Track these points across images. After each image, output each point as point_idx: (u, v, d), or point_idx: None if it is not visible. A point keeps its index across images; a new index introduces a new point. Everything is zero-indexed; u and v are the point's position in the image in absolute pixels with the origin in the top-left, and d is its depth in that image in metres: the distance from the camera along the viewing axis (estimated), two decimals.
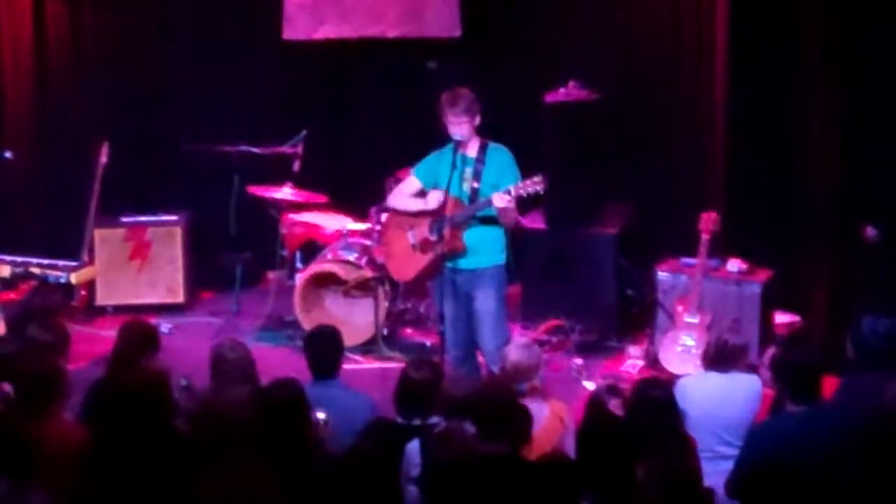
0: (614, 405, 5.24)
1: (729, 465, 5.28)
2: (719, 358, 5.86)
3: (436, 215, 6.75)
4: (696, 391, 5.69)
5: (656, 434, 4.80)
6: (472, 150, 6.77)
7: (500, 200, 6.51)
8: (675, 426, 5.02)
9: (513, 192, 6.50)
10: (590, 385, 7.52)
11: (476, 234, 6.76)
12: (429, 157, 6.93)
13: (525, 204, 7.24)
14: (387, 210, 7.54)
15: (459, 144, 6.66)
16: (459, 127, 6.64)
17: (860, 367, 5.52)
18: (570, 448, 5.17)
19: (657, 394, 5.06)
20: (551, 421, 5.38)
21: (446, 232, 6.66)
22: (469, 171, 6.73)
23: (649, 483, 4.39)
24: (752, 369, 6.36)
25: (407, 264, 7.05)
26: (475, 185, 6.72)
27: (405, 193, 7.03)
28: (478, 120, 6.72)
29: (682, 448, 4.92)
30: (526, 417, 4.78)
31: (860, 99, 7.71)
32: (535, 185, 6.52)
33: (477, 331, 6.81)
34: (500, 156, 6.78)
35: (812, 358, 5.23)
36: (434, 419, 5.14)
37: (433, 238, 6.79)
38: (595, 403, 5.32)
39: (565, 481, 4.25)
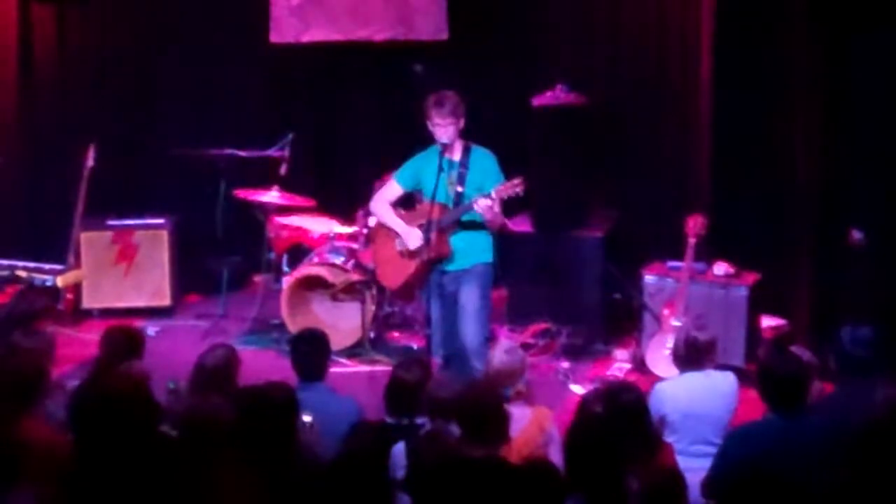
0: None
1: None
2: (692, 356, 5.81)
3: (422, 221, 6.75)
4: (676, 394, 5.67)
5: (633, 439, 4.78)
6: (455, 154, 6.76)
7: (483, 205, 6.51)
8: (649, 429, 5.01)
9: (494, 196, 6.50)
10: (577, 389, 7.52)
11: (462, 237, 6.76)
12: (410, 160, 6.92)
13: (511, 207, 7.23)
14: (370, 214, 7.51)
15: (445, 148, 6.65)
16: (445, 129, 6.63)
17: (842, 376, 5.50)
18: (553, 454, 5.12)
19: (627, 398, 5.04)
20: (531, 427, 5.33)
21: (433, 236, 6.66)
22: (453, 174, 6.72)
23: (643, 493, 4.35)
24: (742, 374, 6.35)
25: (395, 271, 7.03)
26: (459, 189, 6.72)
27: (386, 199, 7.00)
28: (462, 123, 6.71)
29: (660, 451, 4.92)
30: (504, 418, 4.78)
31: (844, 102, 7.73)
32: (514, 187, 6.51)
33: (460, 327, 6.80)
34: (484, 159, 6.77)
35: (792, 369, 5.14)
36: (421, 420, 5.15)
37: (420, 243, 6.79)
38: (584, 409, 5.29)
39: (549, 485, 4.24)
